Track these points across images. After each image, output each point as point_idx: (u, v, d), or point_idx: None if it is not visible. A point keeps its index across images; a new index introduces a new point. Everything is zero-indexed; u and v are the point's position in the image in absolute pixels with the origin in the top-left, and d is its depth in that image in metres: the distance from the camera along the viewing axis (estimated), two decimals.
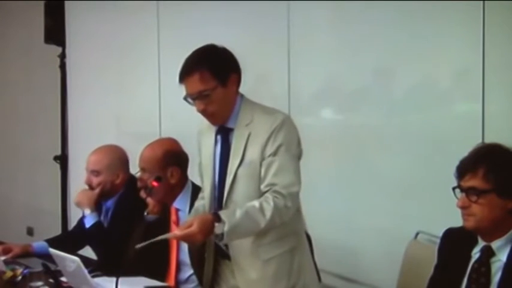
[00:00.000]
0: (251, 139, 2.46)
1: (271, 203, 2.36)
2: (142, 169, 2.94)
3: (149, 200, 2.99)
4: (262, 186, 2.43)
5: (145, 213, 2.99)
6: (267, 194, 2.40)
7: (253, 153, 2.45)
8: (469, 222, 2.13)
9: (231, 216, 2.33)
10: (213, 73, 2.42)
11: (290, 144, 2.46)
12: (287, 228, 2.50)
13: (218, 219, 2.32)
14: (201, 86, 2.42)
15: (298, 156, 2.51)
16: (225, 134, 2.54)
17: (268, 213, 2.35)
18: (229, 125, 2.52)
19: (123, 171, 3.28)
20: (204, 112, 2.48)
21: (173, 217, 2.95)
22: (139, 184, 2.97)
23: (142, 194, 2.97)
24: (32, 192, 6.17)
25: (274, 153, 2.42)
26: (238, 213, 2.34)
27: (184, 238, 2.36)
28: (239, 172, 2.46)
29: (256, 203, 2.37)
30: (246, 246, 2.48)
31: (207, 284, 2.70)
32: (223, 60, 2.48)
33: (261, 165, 2.43)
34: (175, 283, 2.93)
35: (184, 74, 2.44)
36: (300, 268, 2.55)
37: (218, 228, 2.31)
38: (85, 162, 3.31)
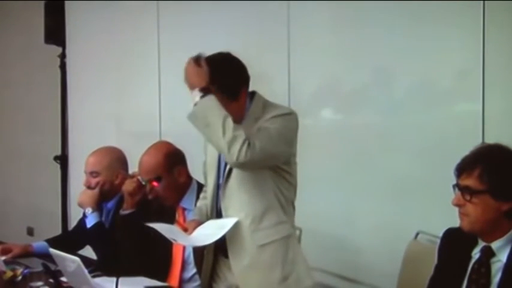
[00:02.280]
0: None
1: (243, 136, 2.31)
2: (149, 180, 2.94)
3: (126, 197, 3.06)
4: None
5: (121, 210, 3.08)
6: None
7: None
8: (464, 222, 2.14)
9: (216, 102, 2.34)
10: (221, 90, 2.41)
11: (284, 130, 2.44)
12: (283, 217, 2.52)
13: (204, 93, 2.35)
14: None
15: (288, 143, 2.48)
16: None
17: (229, 134, 2.31)
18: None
19: (122, 171, 3.27)
20: None
21: (180, 217, 2.95)
22: (151, 195, 2.97)
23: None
24: (32, 192, 6.17)
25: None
26: (223, 109, 2.34)
27: None
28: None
29: (239, 127, 2.34)
30: (242, 230, 2.49)
31: (205, 282, 2.71)
32: (234, 78, 2.49)
33: None
34: (179, 282, 2.93)
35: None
36: (294, 258, 2.55)
37: (195, 94, 2.34)
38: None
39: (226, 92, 2.43)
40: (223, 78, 2.44)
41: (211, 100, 2.35)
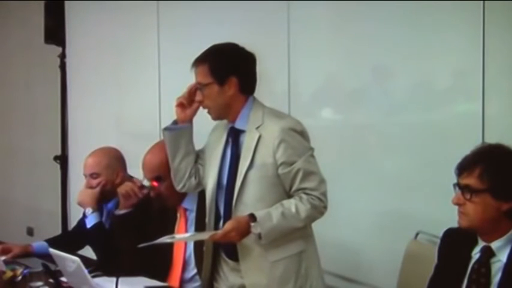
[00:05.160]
0: (261, 142, 2.50)
1: (307, 204, 2.47)
2: (151, 179, 2.94)
3: (120, 199, 3.10)
4: (291, 191, 2.52)
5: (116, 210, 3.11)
6: (301, 195, 2.49)
7: (264, 156, 2.50)
8: (463, 220, 2.15)
9: (266, 218, 2.44)
10: (211, 70, 2.52)
11: (302, 148, 2.52)
12: (296, 233, 2.54)
13: (253, 219, 2.43)
14: (200, 78, 2.56)
15: (312, 151, 2.56)
16: (235, 136, 2.57)
17: (303, 213, 2.47)
18: (240, 126, 2.57)
19: (121, 170, 3.26)
20: (202, 104, 2.58)
21: (182, 218, 2.95)
22: (153, 193, 2.97)
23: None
24: (32, 192, 6.17)
25: (291, 162, 2.48)
26: (275, 215, 2.44)
27: (221, 238, 2.47)
28: (249, 174, 2.51)
29: (292, 205, 2.46)
30: (255, 249, 2.52)
31: (205, 282, 2.72)
32: (224, 61, 2.55)
33: (275, 170, 2.49)
34: (180, 282, 2.93)
35: (193, 64, 2.58)
36: (307, 272, 2.58)
37: (254, 228, 2.43)
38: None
39: (214, 71, 2.52)
40: (217, 57, 2.55)
41: (265, 225, 2.44)
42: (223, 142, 2.62)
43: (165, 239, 2.56)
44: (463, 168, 2.14)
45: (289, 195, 2.53)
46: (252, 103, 2.58)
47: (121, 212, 3.09)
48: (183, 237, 2.81)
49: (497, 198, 2.08)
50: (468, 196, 2.11)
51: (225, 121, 2.64)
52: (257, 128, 2.52)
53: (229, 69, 2.53)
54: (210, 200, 2.63)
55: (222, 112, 2.57)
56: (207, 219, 2.67)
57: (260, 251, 2.51)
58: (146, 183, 2.97)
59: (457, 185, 2.15)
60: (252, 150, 2.50)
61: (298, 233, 2.55)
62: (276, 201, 2.50)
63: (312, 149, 2.57)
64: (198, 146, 2.77)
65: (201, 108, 2.63)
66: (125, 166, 3.30)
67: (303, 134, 2.54)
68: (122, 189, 3.09)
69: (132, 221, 3.05)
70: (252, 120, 2.54)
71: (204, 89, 2.54)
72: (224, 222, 2.54)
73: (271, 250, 2.51)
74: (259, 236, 2.44)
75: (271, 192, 2.51)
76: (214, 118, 2.61)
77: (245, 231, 2.45)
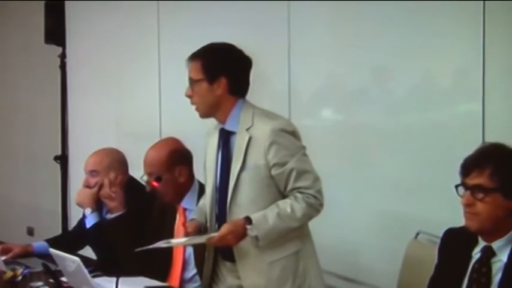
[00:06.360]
0: (252, 143, 2.49)
1: (303, 203, 2.46)
2: (149, 174, 2.92)
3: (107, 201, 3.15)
4: (286, 191, 2.51)
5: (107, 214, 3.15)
6: (296, 194, 2.48)
7: (256, 158, 2.49)
8: (473, 222, 2.11)
9: (262, 220, 2.43)
10: (203, 67, 2.53)
11: (294, 147, 2.51)
12: (292, 233, 2.54)
13: (249, 222, 2.43)
14: (192, 73, 2.57)
15: (304, 150, 2.55)
16: (226, 138, 2.57)
17: (299, 212, 2.46)
18: (230, 128, 2.56)
19: (121, 173, 3.26)
20: (190, 99, 2.59)
21: (181, 217, 2.95)
22: (148, 189, 2.97)
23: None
24: (32, 192, 6.17)
25: (283, 163, 2.48)
26: (270, 216, 2.44)
27: (217, 242, 2.47)
28: (242, 176, 2.51)
29: (287, 205, 2.46)
30: (251, 250, 2.51)
31: (205, 284, 2.72)
32: (217, 61, 2.55)
33: (268, 171, 2.49)
34: (180, 282, 2.93)
35: (188, 58, 2.60)
36: (305, 271, 2.58)
37: (251, 231, 2.43)
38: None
39: (206, 68, 2.53)
40: (210, 55, 2.56)
41: (261, 227, 2.44)
42: (217, 143, 2.62)
43: (161, 244, 2.55)
44: (471, 168, 2.12)
45: (283, 195, 2.52)
46: (242, 104, 2.57)
47: (112, 215, 3.10)
48: (179, 242, 2.79)
49: (507, 197, 2.08)
50: (480, 196, 2.08)
51: (218, 124, 2.64)
52: (247, 129, 2.51)
53: (220, 69, 2.53)
54: (210, 203, 2.63)
55: (210, 110, 2.57)
56: (208, 223, 2.67)
57: (256, 252, 2.51)
58: (145, 177, 2.97)
59: (464, 185, 2.12)
60: (243, 152, 2.50)
61: (295, 233, 2.54)
62: (270, 201, 2.49)
63: (304, 147, 2.56)
64: (196, 148, 2.77)
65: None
66: (126, 170, 3.29)
67: (294, 134, 2.53)
68: (102, 194, 3.15)
69: (127, 222, 3.06)
70: (242, 121, 2.53)
71: (194, 85, 2.54)
72: (219, 224, 2.54)
73: (267, 251, 2.50)
74: (257, 239, 2.44)
75: (264, 193, 2.51)
76: (202, 115, 2.60)
77: (241, 234, 2.44)
